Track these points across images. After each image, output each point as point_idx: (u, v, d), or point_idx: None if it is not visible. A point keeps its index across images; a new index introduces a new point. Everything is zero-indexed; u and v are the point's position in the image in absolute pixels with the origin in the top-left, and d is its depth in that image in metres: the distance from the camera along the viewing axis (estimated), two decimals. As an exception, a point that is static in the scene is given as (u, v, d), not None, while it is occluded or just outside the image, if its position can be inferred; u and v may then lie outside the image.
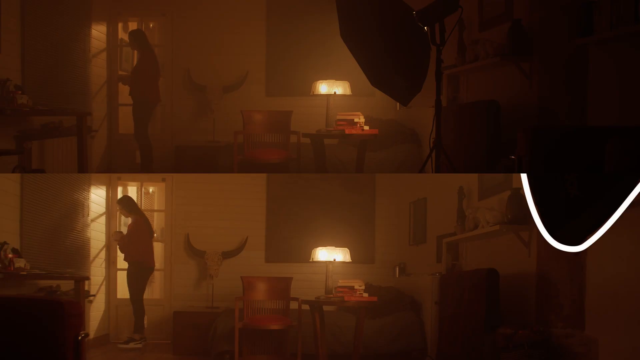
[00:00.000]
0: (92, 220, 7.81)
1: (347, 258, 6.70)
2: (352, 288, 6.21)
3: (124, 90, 8.98)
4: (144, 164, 8.03)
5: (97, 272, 7.93)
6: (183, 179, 8.55)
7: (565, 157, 3.89)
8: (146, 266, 7.80)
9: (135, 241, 7.67)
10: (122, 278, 8.46)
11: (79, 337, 3.29)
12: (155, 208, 8.98)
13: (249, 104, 8.31)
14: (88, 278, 7.03)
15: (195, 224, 8.55)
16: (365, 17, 5.13)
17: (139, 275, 7.72)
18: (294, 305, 6.74)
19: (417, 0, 4.93)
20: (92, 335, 7.56)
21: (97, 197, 8.07)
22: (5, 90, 5.79)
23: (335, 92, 6.98)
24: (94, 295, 7.63)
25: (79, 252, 7.31)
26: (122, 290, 8.40)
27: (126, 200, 7.91)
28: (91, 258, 7.73)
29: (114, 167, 8.84)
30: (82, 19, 7.83)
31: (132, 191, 9.13)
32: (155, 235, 8.29)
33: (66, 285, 6.43)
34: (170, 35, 9.04)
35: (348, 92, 7.04)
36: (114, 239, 7.92)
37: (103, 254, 8.22)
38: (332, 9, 5.49)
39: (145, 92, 7.89)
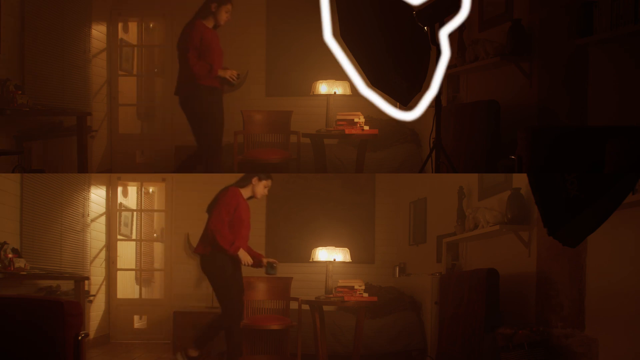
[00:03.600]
0: (92, 221, 7.80)
1: (347, 258, 6.70)
2: (352, 288, 6.21)
3: (123, 90, 8.98)
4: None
5: (97, 272, 7.92)
6: (183, 179, 8.53)
7: (565, 157, 3.89)
8: None
9: None
10: (122, 278, 8.48)
11: (79, 337, 3.29)
12: (155, 208, 8.98)
13: (249, 104, 8.30)
14: (88, 278, 7.03)
15: (195, 224, 8.52)
16: (366, 16, 5.12)
17: None
18: (294, 305, 6.73)
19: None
20: (92, 335, 7.56)
21: (97, 197, 8.06)
22: (5, 90, 5.79)
23: (335, 92, 6.98)
24: (94, 295, 7.63)
25: (79, 252, 7.30)
26: (122, 290, 8.40)
27: None
28: (91, 258, 7.72)
29: (114, 167, 8.84)
30: (82, 19, 7.82)
31: (132, 191, 9.13)
32: (155, 235, 8.28)
33: (66, 285, 6.43)
34: (170, 35, 9.02)
35: (348, 92, 7.04)
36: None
37: (103, 254, 8.22)
38: (332, 9, 5.48)
39: None
